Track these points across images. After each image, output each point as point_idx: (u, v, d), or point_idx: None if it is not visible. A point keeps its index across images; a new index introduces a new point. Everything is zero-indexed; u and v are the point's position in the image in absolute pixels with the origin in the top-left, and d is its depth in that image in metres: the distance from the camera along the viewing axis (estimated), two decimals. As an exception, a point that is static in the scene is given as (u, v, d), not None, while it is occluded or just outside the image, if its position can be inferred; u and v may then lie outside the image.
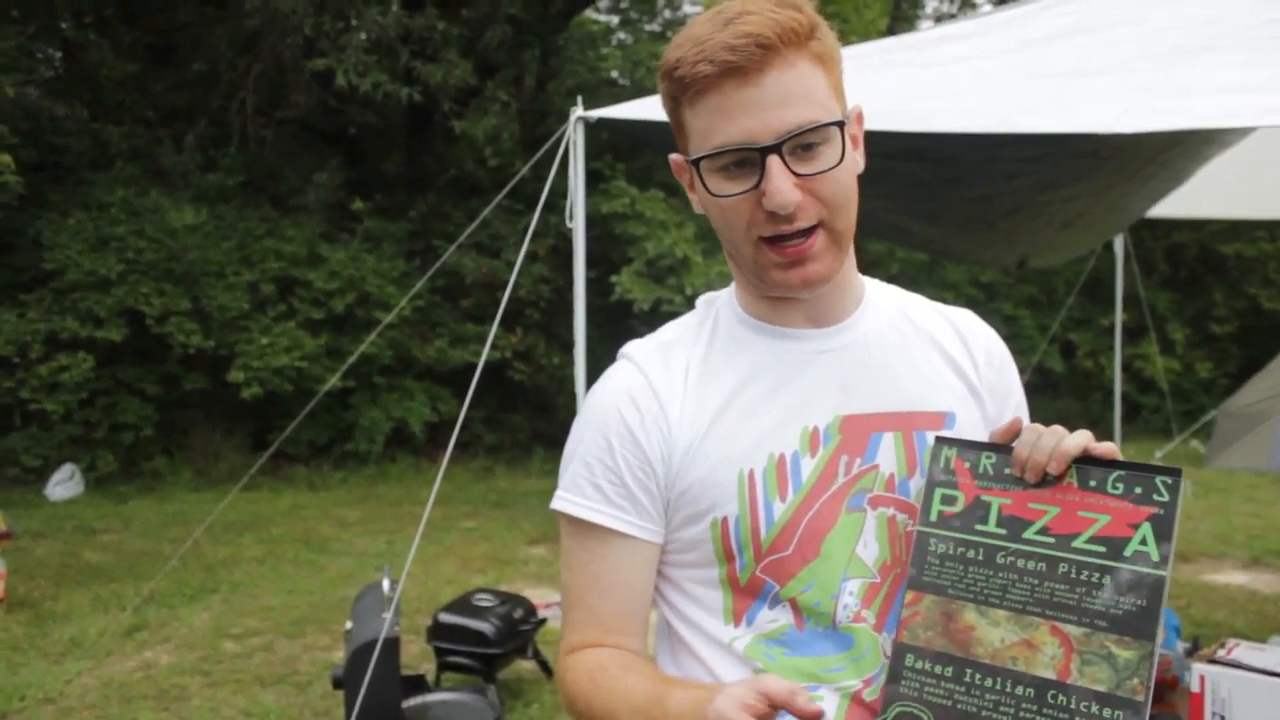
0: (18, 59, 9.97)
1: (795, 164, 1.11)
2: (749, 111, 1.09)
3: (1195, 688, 1.90)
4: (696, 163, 1.16)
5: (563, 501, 1.25)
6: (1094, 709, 1.05)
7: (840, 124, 1.12)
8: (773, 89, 1.08)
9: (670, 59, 1.14)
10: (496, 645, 4.42)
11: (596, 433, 1.24)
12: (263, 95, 11.04)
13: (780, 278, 1.17)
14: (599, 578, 1.24)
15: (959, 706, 1.11)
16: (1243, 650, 1.96)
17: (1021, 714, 1.08)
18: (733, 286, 1.32)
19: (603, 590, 1.23)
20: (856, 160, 1.19)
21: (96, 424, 9.77)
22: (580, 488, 1.24)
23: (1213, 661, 1.90)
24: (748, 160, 1.12)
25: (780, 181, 1.09)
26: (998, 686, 1.10)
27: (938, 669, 1.13)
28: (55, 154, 10.52)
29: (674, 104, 1.17)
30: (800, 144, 1.11)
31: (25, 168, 8.83)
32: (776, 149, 1.09)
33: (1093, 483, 1.13)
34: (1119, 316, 7.28)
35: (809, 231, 1.14)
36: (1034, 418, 1.20)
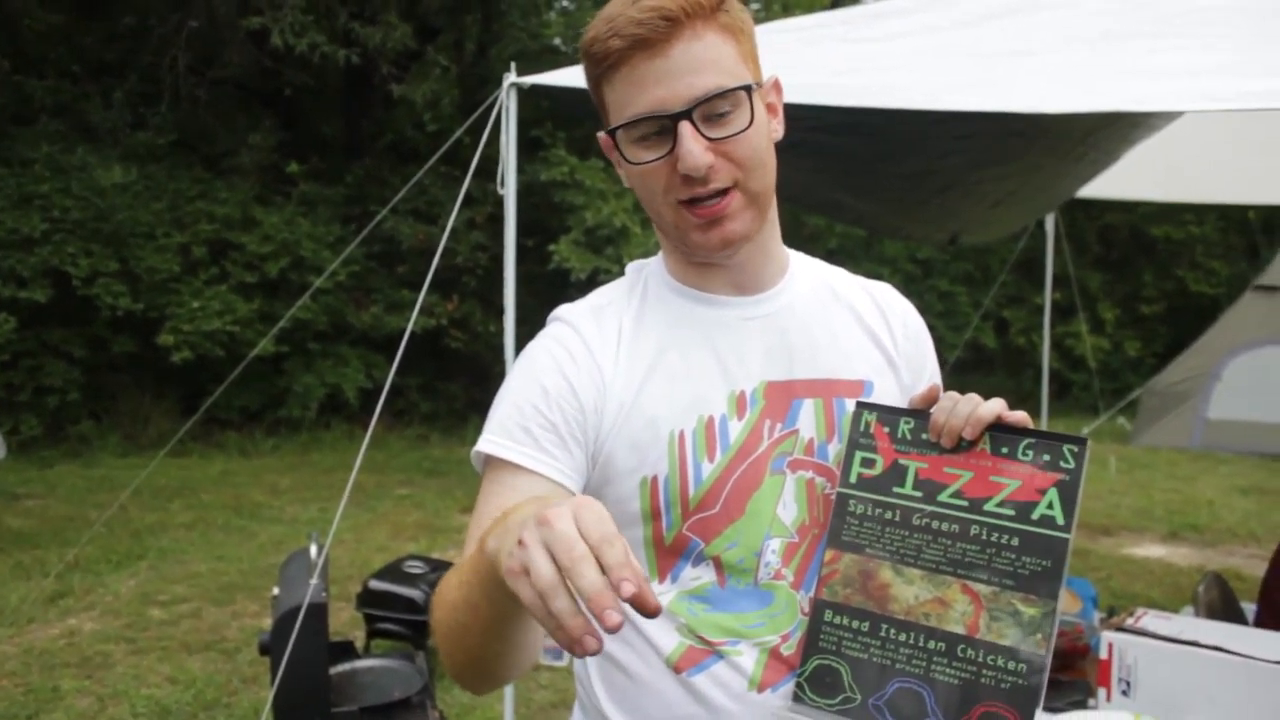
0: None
1: (707, 129, 1.15)
2: (659, 81, 1.14)
3: (1104, 655, 1.96)
4: (614, 134, 1.19)
5: (490, 444, 1.21)
6: (999, 662, 1.11)
7: (748, 88, 1.16)
8: (680, 59, 1.13)
9: (586, 38, 1.18)
10: (426, 612, 4.41)
11: (531, 380, 1.23)
12: (196, 53, 10.78)
13: (700, 239, 1.21)
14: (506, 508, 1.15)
15: (874, 660, 1.16)
16: (1150, 619, 2.02)
17: (933, 667, 1.14)
18: (660, 254, 1.35)
19: None
20: (774, 127, 1.25)
21: (19, 387, 9.53)
22: (509, 431, 1.21)
23: (1121, 630, 1.96)
24: (661, 128, 1.16)
25: (691, 145, 1.14)
26: (911, 641, 1.15)
27: (855, 624, 1.18)
28: (-26, 108, 10.21)
29: (594, 83, 1.21)
30: (710, 110, 1.15)
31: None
32: (687, 115, 1.14)
33: (1005, 449, 1.18)
34: (1049, 295, 7.41)
35: (724, 192, 1.18)
36: (966, 393, 1.24)
